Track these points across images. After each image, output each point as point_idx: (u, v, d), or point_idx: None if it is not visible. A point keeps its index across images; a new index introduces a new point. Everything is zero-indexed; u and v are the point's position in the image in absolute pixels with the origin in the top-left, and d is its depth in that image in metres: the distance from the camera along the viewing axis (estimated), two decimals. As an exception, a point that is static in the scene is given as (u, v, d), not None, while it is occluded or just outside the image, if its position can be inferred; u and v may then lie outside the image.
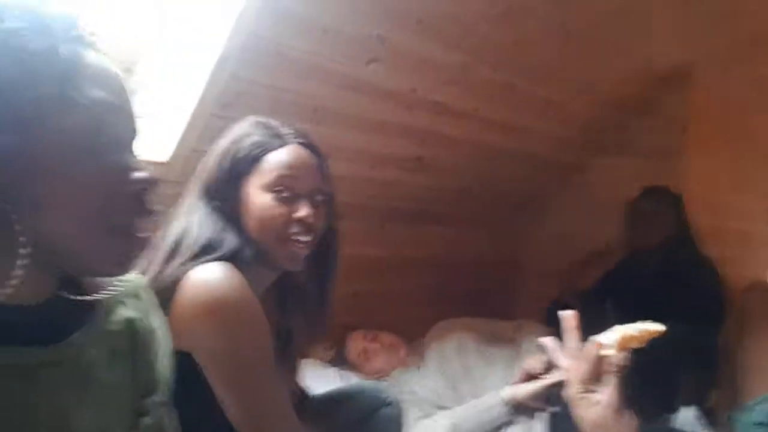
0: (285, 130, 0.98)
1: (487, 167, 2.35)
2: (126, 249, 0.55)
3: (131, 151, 0.56)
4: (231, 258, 0.89)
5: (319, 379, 1.66)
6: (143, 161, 0.57)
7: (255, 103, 1.44)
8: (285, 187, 0.93)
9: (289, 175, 0.94)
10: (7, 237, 0.48)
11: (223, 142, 0.98)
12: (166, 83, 1.41)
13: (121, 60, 1.44)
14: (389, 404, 1.22)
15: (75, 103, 0.49)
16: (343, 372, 1.85)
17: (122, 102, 0.55)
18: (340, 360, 1.95)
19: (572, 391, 0.77)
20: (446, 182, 2.31)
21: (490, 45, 1.73)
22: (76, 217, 0.51)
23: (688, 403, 1.71)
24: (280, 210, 0.93)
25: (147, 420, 0.63)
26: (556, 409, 1.44)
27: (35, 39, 0.48)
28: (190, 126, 1.39)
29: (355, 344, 1.95)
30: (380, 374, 1.85)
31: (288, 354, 1.05)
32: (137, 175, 0.54)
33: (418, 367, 1.81)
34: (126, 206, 0.54)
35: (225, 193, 0.95)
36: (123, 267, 0.57)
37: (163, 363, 0.68)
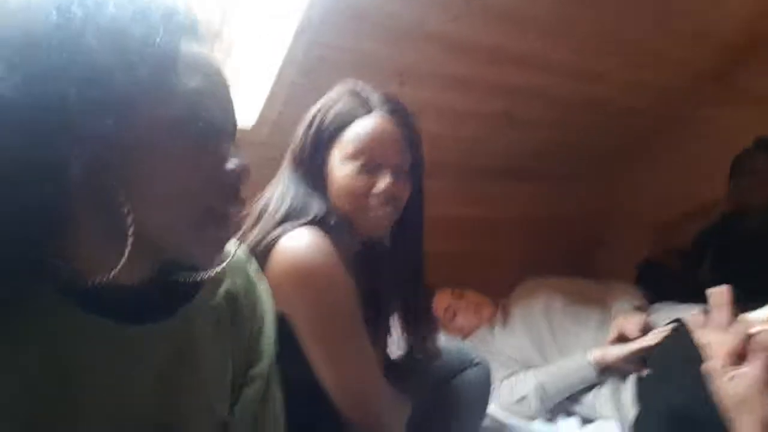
0: (373, 98, 0.97)
1: (580, 120, 2.24)
2: (218, 236, 0.56)
3: (228, 140, 0.56)
4: (317, 223, 0.91)
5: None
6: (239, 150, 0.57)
7: (338, 68, 1.45)
8: (366, 158, 0.94)
9: (370, 146, 0.94)
10: (112, 219, 0.50)
11: (312, 110, 0.99)
12: (249, 50, 1.44)
13: (209, 25, 1.50)
14: (476, 364, 1.23)
15: (170, 91, 0.50)
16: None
17: (219, 91, 0.55)
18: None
19: (715, 365, 0.75)
20: (536, 137, 2.24)
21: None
22: (171, 203, 0.52)
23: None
24: (361, 181, 0.94)
25: (249, 391, 0.66)
26: (647, 372, 1.40)
27: (134, 27, 0.49)
28: (273, 92, 1.43)
29: (441, 301, 1.96)
30: (465, 332, 1.86)
31: (380, 320, 1.07)
32: (232, 164, 0.55)
33: (504, 327, 1.81)
34: (219, 194, 0.54)
35: (311, 162, 0.97)
36: (214, 253, 0.58)
37: (268, 334, 0.70)
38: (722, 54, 2.24)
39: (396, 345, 1.12)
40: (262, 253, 0.88)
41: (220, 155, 0.55)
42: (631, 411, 1.37)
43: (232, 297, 0.66)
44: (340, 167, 0.95)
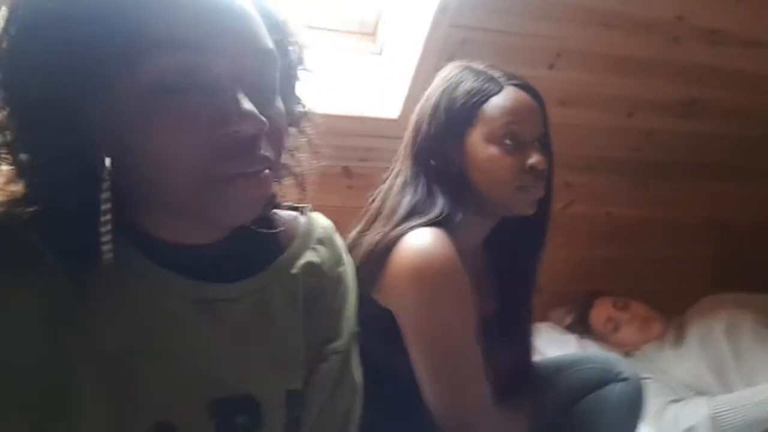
0: (497, 73, 0.92)
1: None
2: (237, 198, 0.49)
3: (236, 82, 0.48)
4: (442, 221, 0.87)
5: (554, 344, 1.57)
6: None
7: (483, 52, 1.36)
8: (513, 135, 0.89)
9: (514, 121, 0.88)
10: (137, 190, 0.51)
11: (433, 96, 0.94)
12: (393, 40, 1.43)
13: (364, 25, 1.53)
14: (624, 380, 1.07)
15: (138, 52, 0.44)
16: (583, 340, 1.71)
17: (209, 33, 0.47)
18: (582, 327, 1.80)
19: None
20: (725, 129, 1.92)
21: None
22: (170, 172, 0.47)
23: None
24: (511, 161, 0.88)
25: (325, 366, 0.65)
26: None
27: None
28: (415, 81, 1.40)
29: (602, 311, 1.77)
30: (628, 347, 1.66)
31: (509, 313, 1.00)
32: (236, 116, 0.47)
33: (676, 345, 1.57)
34: (223, 154, 0.47)
35: (442, 148, 0.91)
36: (241, 214, 0.52)
37: (349, 312, 0.69)
38: None
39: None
40: (381, 252, 0.86)
41: (220, 112, 0.47)
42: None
43: (314, 269, 0.64)
44: (484, 149, 0.89)
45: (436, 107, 0.92)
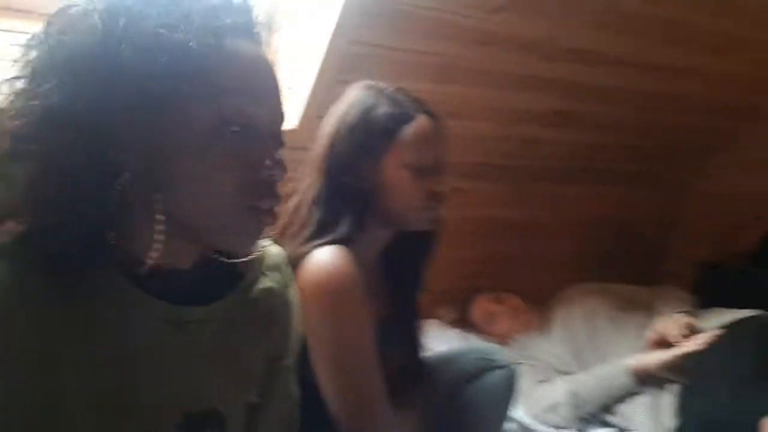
0: (408, 100, 0.99)
1: (644, 118, 2.12)
2: (255, 229, 0.59)
3: (272, 139, 0.58)
4: (347, 239, 0.93)
5: (440, 340, 1.69)
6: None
7: (378, 67, 1.45)
8: (423, 162, 0.96)
9: (425, 149, 0.96)
10: (152, 211, 0.55)
11: (348, 115, 0.98)
12: (291, 49, 1.45)
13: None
14: (500, 367, 1.20)
15: (208, 95, 0.52)
16: (465, 334, 1.86)
17: (264, 91, 0.57)
18: (463, 322, 1.96)
19: None
20: (593, 138, 2.14)
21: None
22: (209, 197, 0.54)
23: None
24: (420, 185, 0.96)
25: (277, 382, 0.71)
26: (689, 381, 1.32)
27: (171, 34, 0.51)
28: (314, 92, 1.44)
29: (480, 306, 1.94)
30: (504, 338, 1.82)
31: (403, 314, 1.09)
32: (270, 162, 0.57)
33: (542, 332, 1.75)
34: (255, 193, 0.56)
35: (356, 167, 0.96)
36: (250, 244, 0.61)
37: (295, 333, 0.75)
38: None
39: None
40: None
41: (260, 155, 0.56)
42: (670, 423, 1.29)
43: (269, 293, 0.70)
44: (397, 171, 0.96)
45: (353, 128, 0.96)
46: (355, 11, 1.32)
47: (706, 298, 1.72)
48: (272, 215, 0.59)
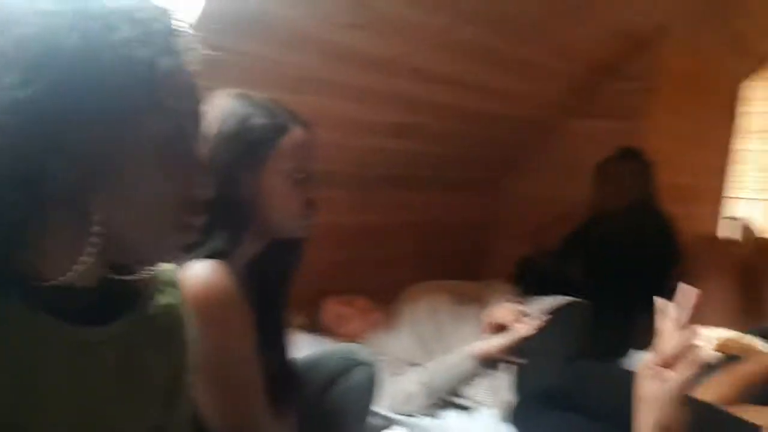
0: (280, 109, 0.99)
1: (468, 131, 2.37)
2: (181, 244, 0.60)
3: (198, 157, 0.60)
4: (222, 252, 0.91)
5: (294, 346, 1.69)
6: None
7: (232, 73, 1.41)
8: (299, 172, 0.97)
9: (301, 159, 0.97)
10: (79, 224, 0.52)
11: (225, 125, 0.94)
12: None
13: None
14: (363, 364, 1.25)
15: (161, 110, 0.54)
16: (317, 338, 1.88)
17: (196, 110, 0.59)
18: (314, 327, 1.98)
19: (649, 359, 0.79)
20: (428, 148, 2.34)
21: (471, 5, 1.73)
22: (150, 211, 0.55)
23: (640, 347, 1.76)
24: (298, 194, 0.97)
25: (180, 399, 0.69)
26: (524, 361, 1.50)
27: (139, 49, 0.51)
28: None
29: (329, 309, 1.98)
30: (355, 338, 1.88)
31: (274, 325, 1.09)
32: (201, 180, 0.59)
33: (391, 330, 1.85)
34: (191, 207, 0.58)
35: (234, 178, 0.93)
36: (173, 260, 0.65)
37: (193, 348, 0.72)
38: (589, 69, 2.47)
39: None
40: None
41: (196, 172, 0.59)
42: (508, 398, 1.45)
43: (167, 310, 0.68)
44: (276, 182, 0.95)
45: (230, 138, 0.93)
46: (214, 16, 1.29)
47: (525, 288, 1.98)
48: (196, 233, 0.60)
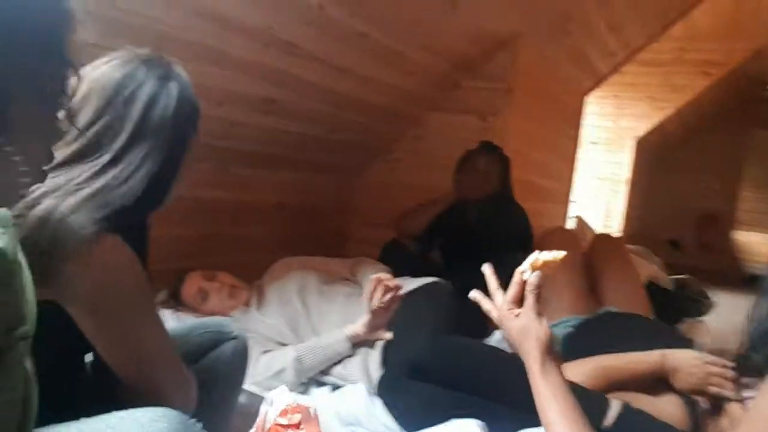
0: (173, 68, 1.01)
1: (334, 114, 2.37)
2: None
3: None
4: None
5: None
6: None
7: (88, 25, 1.29)
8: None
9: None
10: None
11: (137, 92, 0.93)
12: None
13: None
14: (234, 338, 1.22)
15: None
16: (178, 314, 1.79)
17: None
18: (175, 302, 1.88)
19: (500, 313, 0.98)
20: (294, 126, 2.30)
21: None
22: None
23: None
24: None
25: (11, 355, 0.59)
26: (390, 336, 1.56)
27: None
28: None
29: (192, 284, 1.88)
30: (218, 314, 1.81)
31: None
32: None
33: (259, 307, 1.81)
34: None
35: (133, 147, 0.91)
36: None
37: (30, 297, 0.64)
38: (452, 66, 2.61)
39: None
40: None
41: None
42: (376, 374, 1.50)
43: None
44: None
45: (145, 107, 0.93)
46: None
47: (392, 271, 2.04)
48: None
